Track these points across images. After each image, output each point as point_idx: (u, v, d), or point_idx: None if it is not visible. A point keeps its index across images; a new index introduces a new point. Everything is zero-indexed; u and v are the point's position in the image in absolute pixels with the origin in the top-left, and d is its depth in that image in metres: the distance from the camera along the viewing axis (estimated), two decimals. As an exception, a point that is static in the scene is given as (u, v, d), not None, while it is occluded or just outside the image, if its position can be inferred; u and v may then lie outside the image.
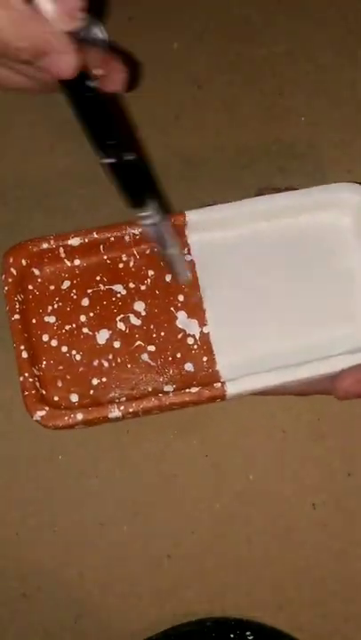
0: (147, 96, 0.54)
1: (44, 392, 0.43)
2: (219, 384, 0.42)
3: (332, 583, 0.48)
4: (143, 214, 0.42)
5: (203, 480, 0.48)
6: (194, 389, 0.42)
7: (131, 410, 0.41)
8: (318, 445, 0.49)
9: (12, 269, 0.44)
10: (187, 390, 0.42)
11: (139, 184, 0.41)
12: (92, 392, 0.43)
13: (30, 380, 0.42)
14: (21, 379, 0.42)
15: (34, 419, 0.42)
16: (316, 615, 0.47)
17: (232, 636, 0.46)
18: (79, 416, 0.41)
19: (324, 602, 0.47)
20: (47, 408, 0.42)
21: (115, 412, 0.41)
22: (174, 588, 0.47)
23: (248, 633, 0.46)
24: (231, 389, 0.42)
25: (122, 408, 0.41)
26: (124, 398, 0.43)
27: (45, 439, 0.49)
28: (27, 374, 0.42)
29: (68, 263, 0.45)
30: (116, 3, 0.55)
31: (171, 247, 0.44)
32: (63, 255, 0.44)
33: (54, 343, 0.44)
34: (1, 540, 0.48)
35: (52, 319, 0.44)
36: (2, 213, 0.51)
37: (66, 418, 0.41)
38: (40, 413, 0.41)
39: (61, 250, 0.44)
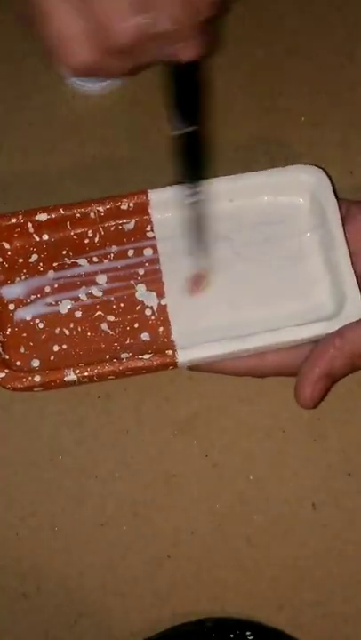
0: (147, 96, 0.54)
1: (6, 357, 0.45)
2: (170, 351, 0.44)
3: (333, 583, 0.48)
4: (193, 189, 0.44)
5: (203, 480, 0.48)
6: (146, 356, 0.44)
7: (86, 374, 0.44)
8: (318, 445, 0.49)
9: None
10: (139, 357, 0.44)
11: (199, 156, 0.44)
12: (52, 358, 0.46)
13: None
14: None
15: None
16: (316, 615, 0.47)
17: (232, 635, 0.46)
18: (37, 378, 0.44)
19: (324, 602, 0.47)
20: (7, 370, 0.44)
21: (70, 376, 0.44)
22: (174, 587, 0.47)
23: (248, 633, 0.46)
24: (182, 357, 0.44)
25: (77, 372, 0.44)
26: (82, 364, 0.45)
27: (45, 439, 0.49)
28: None
29: (37, 238, 0.47)
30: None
31: (202, 231, 0.46)
32: (32, 230, 0.47)
33: (19, 313, 0.46)
34: (1, 540, 0.48)
35: (18, 289, 0.47)
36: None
37: (24, 380, 0.44)
38: (0, 375, 0.44)
39: (30, 225, 0.47)
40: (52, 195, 0.51)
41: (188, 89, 0.42)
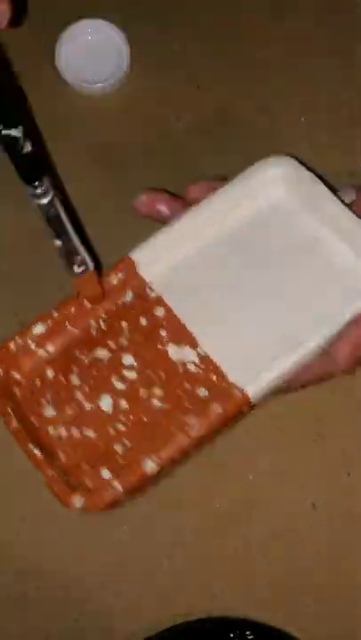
0: (147, 96, 0.54)
1: (72, 479, 0.40)
2: (237, 392, 0.40)
3: (332, 582, 0.48)
4: (36, 191, 0.37)
5: (203, 480, 0.49)
6: (216, 408, 0.40)
7: (164, 456, 0.40)
8: (318, 445, 0.49)
9: None
10: (208, 414, 0.40)
11: (29, 159, 0.37)
12: (121, 461, 0.41)
13: (54, 474, 0.40)
14: (44, 479, 0.40)
15: (76, 507, 0.39)
16: (316, 615, 0.47)
17: (232, 635, 0.46)
18: (116, 484, 0.39)
19: (324, 602, 0.47)
20: (83, 496, 0.39)
21: (150, 465, 0.39)
22: (174, 587, 0.48)
23: (248, 632, 0.46)
24: (252, 392, 0.40)
25: (155, 459, 0.39)
26: (156, 451, 0.40)
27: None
28: (48, 472, 0.40)
29: (43, 352, 0.43)
30: (117, 4, 0.55)
31: (66, 233, 0.39)
32: (34, 347, 0.42)
33: (63, 432, 0.42)
34: (1, 540, 0.48)
35: (50, 411, 0.42)
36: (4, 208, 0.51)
37: (105, 493, 0.39)
38: (79, 500, 0.39)
39: (29, 341, 0.42)
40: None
41: None
